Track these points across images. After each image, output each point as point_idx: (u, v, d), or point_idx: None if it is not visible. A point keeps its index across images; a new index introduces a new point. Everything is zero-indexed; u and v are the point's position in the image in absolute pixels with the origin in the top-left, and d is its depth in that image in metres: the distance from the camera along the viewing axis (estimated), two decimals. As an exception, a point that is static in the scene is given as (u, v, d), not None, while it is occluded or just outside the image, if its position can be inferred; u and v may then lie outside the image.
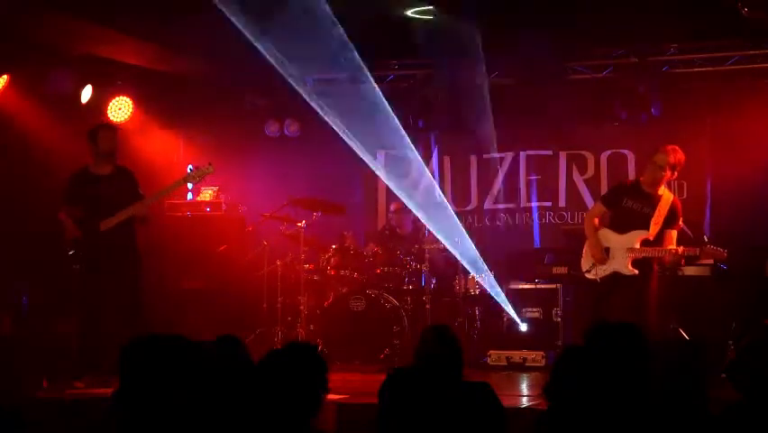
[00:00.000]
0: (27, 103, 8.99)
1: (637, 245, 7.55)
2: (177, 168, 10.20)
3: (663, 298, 7.72)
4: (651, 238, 7.56)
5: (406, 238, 9.78)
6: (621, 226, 7.68)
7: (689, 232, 9.03)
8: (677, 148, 7.64)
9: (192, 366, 2.58)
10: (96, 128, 8.21)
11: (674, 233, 7.62)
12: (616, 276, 7.60)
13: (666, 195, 7.67)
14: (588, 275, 7.75)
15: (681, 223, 7.67)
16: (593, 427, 3.69)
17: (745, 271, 8.82)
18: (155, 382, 2.53)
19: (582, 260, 7.85)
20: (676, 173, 7.67)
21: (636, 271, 7.53)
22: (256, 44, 8.63)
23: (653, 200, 7.62)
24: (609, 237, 7.71)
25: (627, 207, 7.68)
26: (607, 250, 7.68)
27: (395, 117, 9.87)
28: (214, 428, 2.92)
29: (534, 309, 9.35)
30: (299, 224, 9.44)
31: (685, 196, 9.77)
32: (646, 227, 7.56)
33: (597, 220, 7.84)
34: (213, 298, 9.90)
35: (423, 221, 9.59)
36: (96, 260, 7.87)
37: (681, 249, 7.51)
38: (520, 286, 9.49)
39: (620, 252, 7.60)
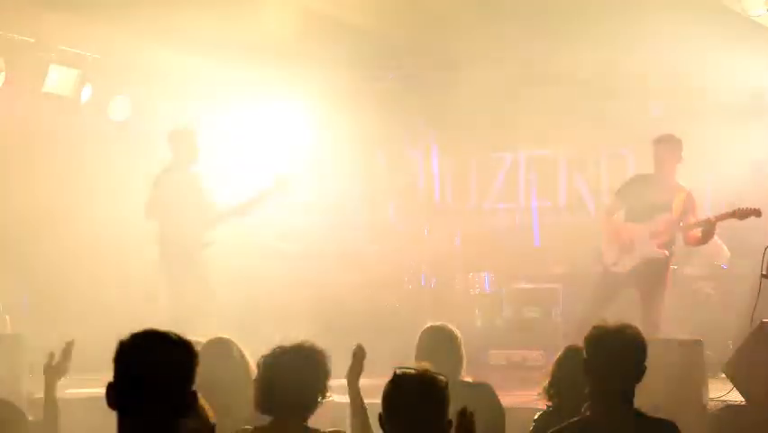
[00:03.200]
0: (26, 101, 8.98)
1: (662, 228, 7.56)
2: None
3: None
4: (675, 220, 7.57)
5: (408, 236, 9.79)
6: (642, 216, 7.67)
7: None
8: (671, 134, 7.67)
9: (186, 363, 2.57)
10: (191, 132, 8.23)
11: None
12: (641, 265, 7.57)
13: (681, 184, 7.68)
14: (614, 268, 7.70)
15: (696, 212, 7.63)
16: (593, 427, 3.70)
17: (745, 271, 8.81)
18: (146, 375, 2.52)
19: (604, 255, 7.79)
20: (680, 154, 7.66)
21: (667, 252, 7.54)
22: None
23: (670, 187, 7.63)
24: (633, 229, 7.70)
25: (645, 196, 7.68)
26: (631, 242, 7.69)
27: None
28: (209, 426, 2.93)
29: (535, 309, 9.35)
30: (301, 223, 9.45)
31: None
32: (668, 211, 7.57)
33: (615, 215, 7.86)
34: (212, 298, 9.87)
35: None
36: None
37: (712, 217, 7.42)
38: (520, 286, 9.49)
39: (645, 239, 7.59)
